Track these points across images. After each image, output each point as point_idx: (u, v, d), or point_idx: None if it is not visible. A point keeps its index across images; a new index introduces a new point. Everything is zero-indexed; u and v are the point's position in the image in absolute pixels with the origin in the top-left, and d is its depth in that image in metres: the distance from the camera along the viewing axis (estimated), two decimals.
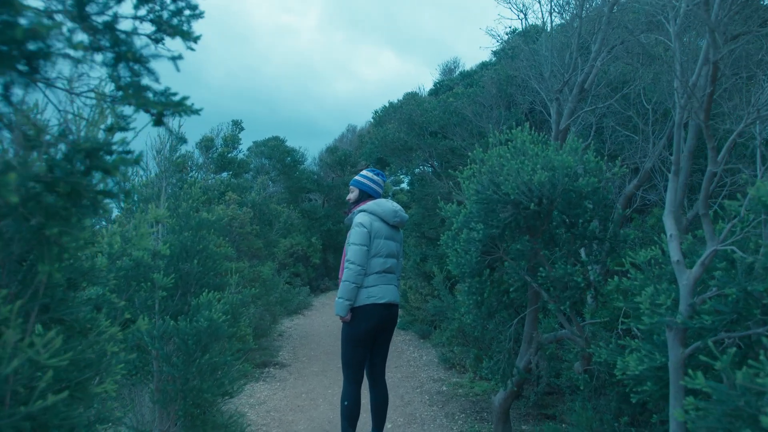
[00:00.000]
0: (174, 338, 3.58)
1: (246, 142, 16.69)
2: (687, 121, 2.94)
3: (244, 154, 13.22)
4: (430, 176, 9.41)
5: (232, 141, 10.04)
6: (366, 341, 4.15)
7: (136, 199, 3.84)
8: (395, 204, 4.54)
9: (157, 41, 1.26)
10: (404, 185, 23.42)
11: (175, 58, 1.17)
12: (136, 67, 1.27)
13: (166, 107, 1.49)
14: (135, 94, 1.41)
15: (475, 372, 7.03)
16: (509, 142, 3.84)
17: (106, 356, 1.97)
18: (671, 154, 2.94)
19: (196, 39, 1.31)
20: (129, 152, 1.45)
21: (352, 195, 4.53)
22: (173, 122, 4.29)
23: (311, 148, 48.55)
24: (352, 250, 4.09)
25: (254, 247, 8.44)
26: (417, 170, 9.82)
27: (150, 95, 1.46)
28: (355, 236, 4.11)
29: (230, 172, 9.97)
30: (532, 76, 6.60)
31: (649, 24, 4.23)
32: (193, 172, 9.35)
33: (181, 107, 1.48)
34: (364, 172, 4.69)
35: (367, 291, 4.10)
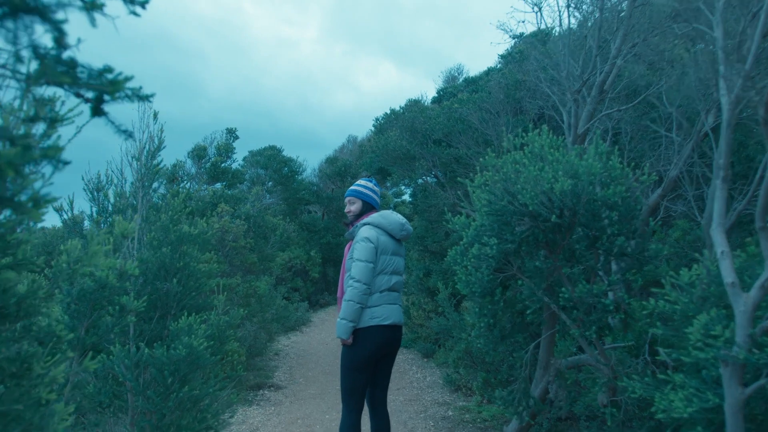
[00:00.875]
0: (150, 368, 3.22)
1: (243, 152, 16.35)
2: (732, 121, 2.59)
3: (239, 164, 12.90)
4: (433, 187, 9.07)
5: (225, 150, 9.70)
6: (368, 366, 3.85)
7: (110, 210, 3.50)
8: (400, 216, 4.27)
9: None
10: (406, 197, 23.07)
11: (91, 8, 0.82)
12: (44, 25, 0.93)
13: (101, 89, 1.14)
14: (52, 68, 1.06)
15: (483, 395, 6.65)
16: (524, 147, 3.50)
17: (43, 406, 1.60)
18: (707, 160, 2.60)
19: None
20: (53, 149, 1.10)
21: (354, 207, 4.24)
22: (154, 126, 3.94)
23: (311, 159, 48.33)
24: (357, 267, 3.82)
25: (248, 261, 8.09)
26: (420, 180, 9.48)
27: (83, 73, 1.11)
28: (360, 252, 3.84)
29: (224, 183, 9.64)
30: (544, 79, 6.28)
31: (676, 16, 3.90)
32: (185, 182, 9.01)
33: (117, 87, 1.13)
34: (363, 182, 4.41)
35: (370, 311, 3.83)
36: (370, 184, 4.39)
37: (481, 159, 3.35)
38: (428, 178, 9.28)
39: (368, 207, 4.23)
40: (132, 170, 3.62)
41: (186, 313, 3.50)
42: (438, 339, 9.68)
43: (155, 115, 4.05)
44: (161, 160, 3.97)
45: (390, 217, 4.10)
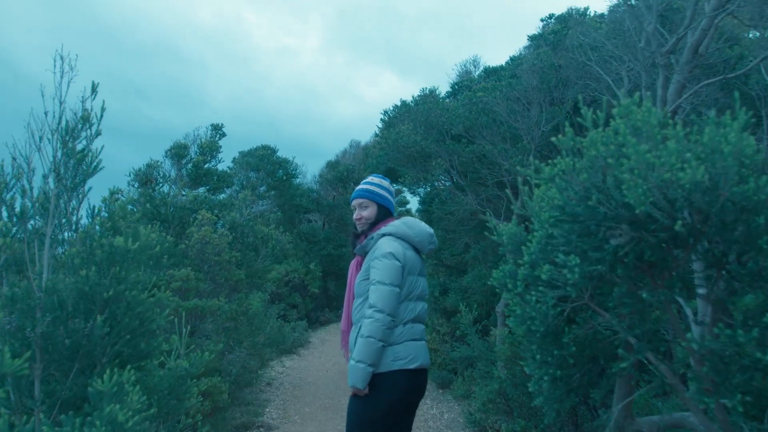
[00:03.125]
0: None
1: (235, 155, 15.24)
2: None
3: (228, 167, 11.93)
4: (452, 190, 8.03)
5: (210, 149, 8.69)
6: (387, 422, 3.12)
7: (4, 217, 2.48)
8: (425, 224, 3.54)
9: None
10: (412, 204, 21.88)
11: None
12: None
13: None
14: None
15: None
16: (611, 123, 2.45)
17: None
18: None
19: None
20: None
21: (367, 212, 3.47)
22: (91, 102, 2.93)
23: (313, 168, 47.53)
24: (379, 293, 3.10)
25: (234, 278, 7.06)
26: (437, 183, 8.44)
27: None
28: (383, 272, 3.13)
29: (208, 187, 8.62)
30: (594, 59, 5.25)
31: None
32: (163, 185, 8.00)
33: None
34: (375, 180, 3.61)
35: (392, 351, 3.13)
36: (384, 183, 3.61)
37: (556, 138, 2.32)
38: (444, 180, 8.25)
39: (385, 212, 3.50)
40: (43, 157, 2.61)
41: (118, 365, 2.48)
42: (456, 367, 8.64)
43: (94, 87, 3.05)
44: (99, 151, 3.00)
45: (416, 225, 3.42)
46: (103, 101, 3.12)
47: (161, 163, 8.07)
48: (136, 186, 7.75)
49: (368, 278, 3.20)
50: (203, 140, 8.86)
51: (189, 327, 6.69)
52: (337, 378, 9.75)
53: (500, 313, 7.45)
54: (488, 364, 6.57)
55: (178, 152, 8.28)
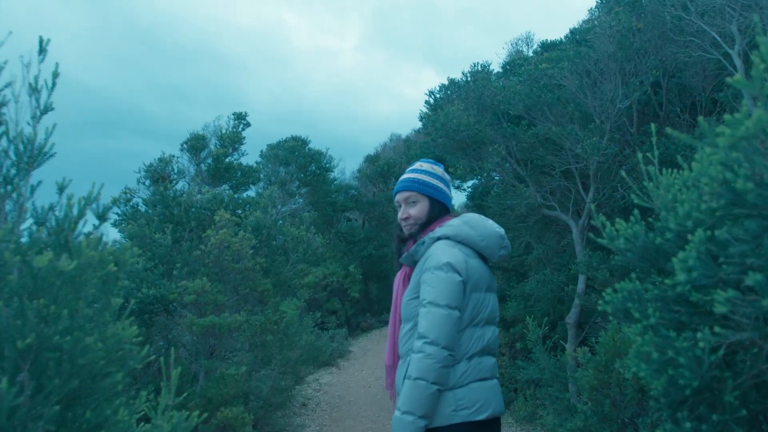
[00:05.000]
0: None
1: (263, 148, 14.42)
2: None
3: (257, 161, 11.20)
4: (511, 181, 7.08)
5: (231, 141, 7.90)
6: None
7: None
8: (494, 222, 2.73)
9: None
10: (459, 198, 20.91)
11: None
12: None
13: None
14: None
15: None
16: None
17: None
18: None
19: None
20: None
21: (416, 210, 2.70)
22: (38, 63, 2.14)
23: (352, 164, 47.10)
24: (431, 318, 2.37)
25: (259, 288, 6.26)
26: (494, 174, 7.49)
27: None
28: (436, 289, 2.40)
29: (230, 183, 7.85)
30: (695, 11, 4.29)
31: None
32: (178, 183, 7.26)
33: None
34: (426, 167, 2.82)
35: (453, 396, 2.39)
36: (437, 169, 2.82)
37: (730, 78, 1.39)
38: (503, 170, 7.30)
39: (440, 209, 2.74)
40: None
41: None
42: (517, 386, 7.72)
43: (43, 45, 2.24)
44: (50, 132, 2.23)
45: (482, 225, 2.63)
46: (57, 64, 2.33)
47: (177, 157, 7.34)
48: (147, 184, 7.03)
49: (418, 297, 2.47)
50: (224, 131, 8.09)
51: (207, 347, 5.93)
52: (381, 396, 8.92)
53: (571, 324, 6.52)
54: (561, 389, 5.64)
55: (195, 145, 7.52)
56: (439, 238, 2.53)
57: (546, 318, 7.00)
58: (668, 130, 1.81)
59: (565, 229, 7.59)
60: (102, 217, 2.30)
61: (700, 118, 1.72)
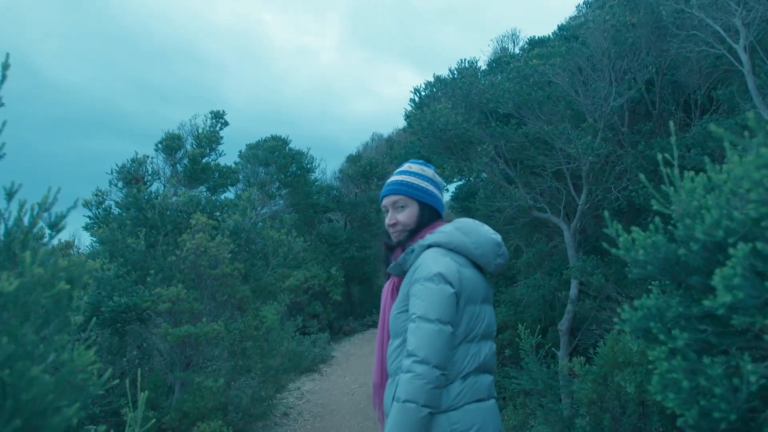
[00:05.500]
0: None
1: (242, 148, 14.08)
2: None
3: (235, 162, 10.94)
4: (501, 182, 6.87)
5: (208, 140, 7.62)
6: None
7: None
8: (489, 228, 2.52)
9: None
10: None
11: None
12: None
13: None
14: None
15: None
16: None
17: None
18: None
19: None
20: None
21: (405, 215, 2.49)
22: None
23: (333, 164, 46.96)
24: (421, 335, 2.18)
25: (238, 295, 6.01)
26: (483, 174, 7.28)
27: None
28: (426, 302, 2.20)
29: (208, 185, 7.57)
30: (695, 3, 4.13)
31: None
32: (153, 185, 6.96)
33: None
34: (413, 168, 2.61)
35: (446, 420, 2.18)
36: (428, 171, 2.62)
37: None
38: (492, 171, 7.10)
39: (431, 214, 2.54)
40: None
41: None
42: (506, 395, 7.53)
43: None
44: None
45: (476, 231, 2.43)
46: (7, 55, 2.04)
47: (151, 158, 7.05)
48: (120, 186, 6.73)
49: (407, 310, 2.27)
50: (201, 130, 7.80)
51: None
52: (364, 405, 8.69)
53: (564, 331, 6.32)
54: (554, 399, 5.44)
55: (170, 144, 7.23)
56: (429, 246, 2.34)
57: (536, 323, 6.83)
58: (712, 126, 1.60)
59: (554, 232, 7.41)
60: (54, 227, 2.05)
61: (750, 114, 1.51)
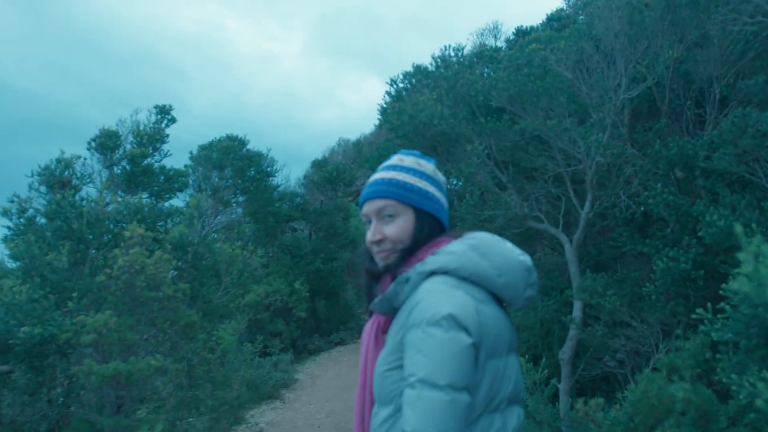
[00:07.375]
0: None
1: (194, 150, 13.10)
2: None
3: (186, 165, 10.03)
4: (492, 187, 6.10)
5: (151, 139, 6.70)
6: None
7: None
8: (513, 245, 1.75)
9: None
10: None
11: None
12: None
13: None
14: None
15: None
16: None
17: None
18: None
19: None
20: None
21: (394, 229, 1.72)
22: None
23: (297, 171, 46.52)
24: (426, 407, 1.42)
25: (182, 321, 5.13)
26: (473, 177, 6.52)
27: None
28: (433, 360, 1.45)
29: (151, 190, 6.65)
30: None
31: None
32: (82, 189, 6.03)
33: None
34: (405, 162, 1.83)
35: None
36: (428, 166, 1.86)
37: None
38: (482, 171, 6.34)
39: (432, 226, 1.78)
40: None
41: None
42: None
43: None
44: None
45: (498, 250, 1.68)
46: None
47: (83, 158, 6.12)
48: (43, 191, 5.79)
49: (401, 367, 1.56)
50: (143, 127, 6.87)
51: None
52: None
53: (566, 360, 5.56)
54: None
55: (105, 143, 6.30)
56: (432, 273, 1.62)
57: (531, 350, 6.08)
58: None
59: (551, 244, 6.68)
60: None
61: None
